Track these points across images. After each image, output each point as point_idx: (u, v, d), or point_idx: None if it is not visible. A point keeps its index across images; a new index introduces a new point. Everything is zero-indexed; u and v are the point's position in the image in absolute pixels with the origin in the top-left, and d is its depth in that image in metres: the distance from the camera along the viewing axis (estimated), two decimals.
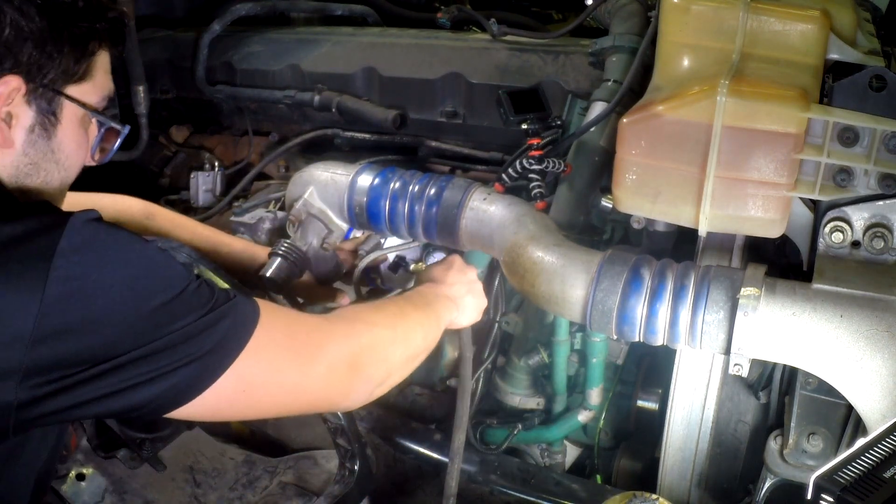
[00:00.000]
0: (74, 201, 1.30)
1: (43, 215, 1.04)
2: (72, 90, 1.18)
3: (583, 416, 1.87)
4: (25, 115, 1.14)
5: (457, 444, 1.57)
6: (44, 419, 1.03)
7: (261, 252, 1.83)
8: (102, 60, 1.21)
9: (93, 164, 1.29)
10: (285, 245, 1.85)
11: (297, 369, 1.19)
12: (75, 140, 1.21)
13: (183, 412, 1.09)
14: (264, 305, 1.17)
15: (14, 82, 1.11)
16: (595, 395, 1.85)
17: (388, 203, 1.79)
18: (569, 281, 1.48)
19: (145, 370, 1.04)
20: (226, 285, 1.18)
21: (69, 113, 1.19)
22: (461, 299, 1.56)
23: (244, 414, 1.23)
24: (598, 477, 1.95)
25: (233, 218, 1.96)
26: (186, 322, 1.06)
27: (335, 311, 1.36)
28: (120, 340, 1.02)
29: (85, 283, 1.00)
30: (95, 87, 1.21)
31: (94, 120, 1.23)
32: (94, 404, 1.03)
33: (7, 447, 1.08)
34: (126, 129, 1.29)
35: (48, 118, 1.16)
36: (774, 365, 1.58)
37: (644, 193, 1.51)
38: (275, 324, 1.17)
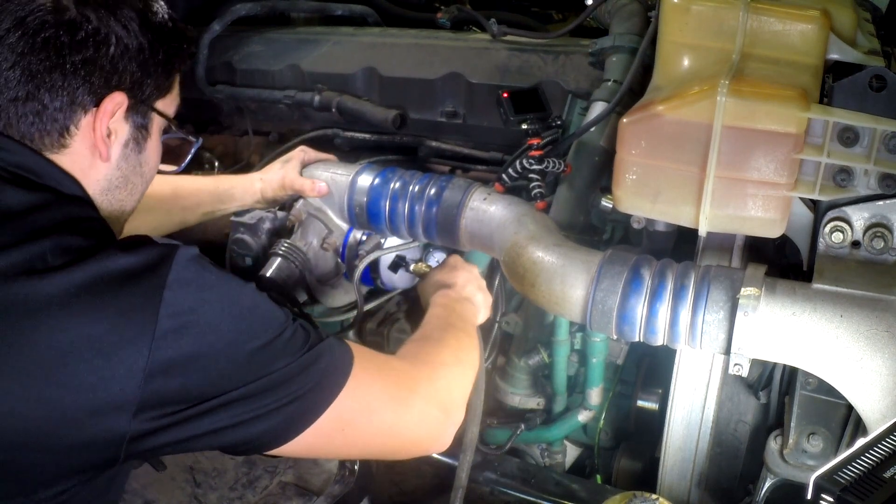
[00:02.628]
0: None
1: (149, 247, 1.04)
2: (159, 104, 1.22)
3: (583, 416, 1.87)
4: (123, 131, 1.17)
5: (469, 438, 1.57)
6: (154, 451, 1.04)
7: (229, 183, 1.86)
8: (178, 76, 1.26)
9: (171, 172, 1.35)
10: (285, 245, 1.85)
11: (393, 411, 1.21)
12: (157, 152, 1.26)
13: (284, 450, 1.11)
14: (355, 347, 1.19)
15: (118, 98, 1.13)
16: (595, 395, 1.85)
17: (388, 203, 1.79)
18: (569, 281, 1.48)
19: (252, 407, 1.05)
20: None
21: (155, 126, 1.22)
22: (475, 298, 1.59)
23: (339, 453, 1.24)
24: (598, 477, 1.95)
25: (233, 218, 1.96)
26: (287, 362, 1.07)
27: (401, 351, 1.37)
28: (227, 377, 1.03)
29: (193, 319, 1.01)
30: (173, 97, 1.25)
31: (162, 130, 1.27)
32: (202, 439, 1.04)
33: (114, 471, 1.08)
34: (199, 142, 1.37)
35: (141, 132, 1.20)
36: (774, 365, 1.58)
37: (644, 193, 1.51)
38: (368, 365, 1.19)
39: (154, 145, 1.24)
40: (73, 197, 1.12)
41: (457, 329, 1.47)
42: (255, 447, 1.10)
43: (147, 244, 1.05)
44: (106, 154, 1.15)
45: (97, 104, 1.12)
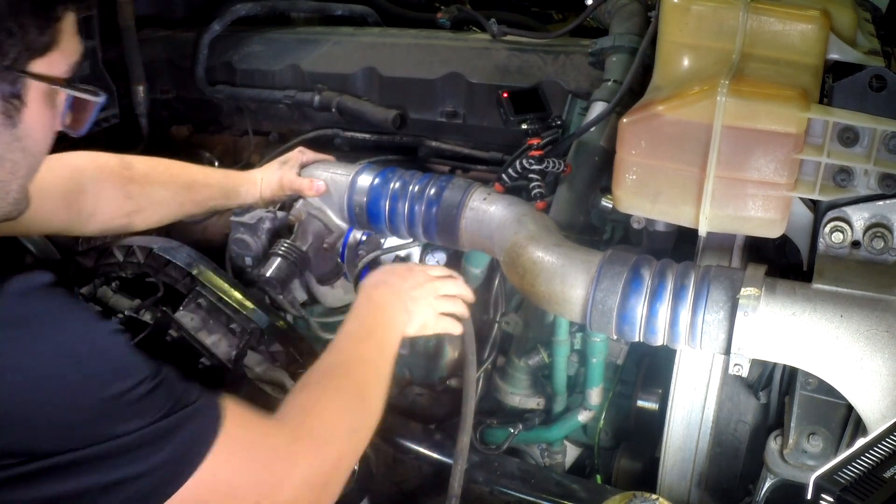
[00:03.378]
0: (52, 164, 1.23)
1: None
2: (37, 65, 0.99)
3: (583, 416, 1.87)
4: None
5: (461, 447, 1.57)
6: None
7: (237, 180, 1.84)
8: (69, 23, 1.01)
9: (73, 135, 1.12)
10: (285, 245, 1.85)
11: (259, 496, 1.03)
12: (42, 121, 1.03)
13: None
14: (232, 415, 1.01)
15: None
16: (595, 395, 1.85)
17: (388, 203, 1.79)
18: (569, 281, 1.48)
19: (85, 479, 0.88)
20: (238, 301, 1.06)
21: (35, 92, 1.00)
22: (412, 305, 1.45)
23: None
24: (598, 477, 1.95)
25: (233, 218, 1.96)
26: (137, 426, 0.90)
27: (288, 405, 1.16)
28: (54, 436, 0.87)
29: (15, 365, 0.85)
30: (63, 54, 1.02)
31: (63, 92, 1.05)
32: None
33: None
34: (102, 99, 1.10)
35: (11, 103, 0.98)
36: (774, 365, 1.58)
37: (644, 193, 1.51)
38: (236, 440, 1.00)
39: (36, 114, 1.01)
40: None
41: (364, 364, 1.30)
42: None
43: None
44: None
45: None
